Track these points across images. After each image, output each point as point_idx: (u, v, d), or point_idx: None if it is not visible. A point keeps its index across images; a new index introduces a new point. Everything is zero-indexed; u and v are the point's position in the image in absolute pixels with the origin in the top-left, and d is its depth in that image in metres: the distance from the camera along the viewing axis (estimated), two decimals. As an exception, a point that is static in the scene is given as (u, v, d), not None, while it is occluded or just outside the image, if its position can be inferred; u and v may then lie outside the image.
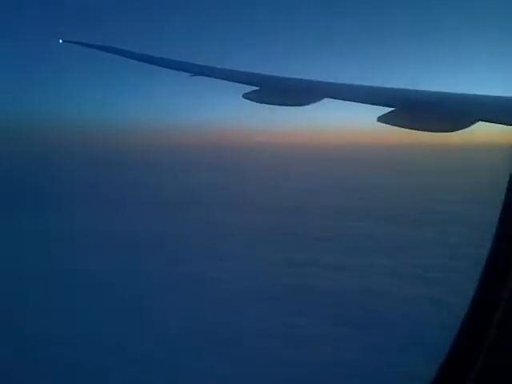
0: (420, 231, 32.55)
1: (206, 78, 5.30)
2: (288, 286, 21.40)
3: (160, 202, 44.06)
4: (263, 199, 45.62)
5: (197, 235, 31.04)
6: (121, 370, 14.25)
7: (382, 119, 3.42)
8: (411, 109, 3.77)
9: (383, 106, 3.59)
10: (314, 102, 4.00)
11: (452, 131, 3.31)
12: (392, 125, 3.42)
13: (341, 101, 4.10)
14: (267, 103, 4.22)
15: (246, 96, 4.21)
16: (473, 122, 3.29)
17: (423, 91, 4.48)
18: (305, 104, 4.03)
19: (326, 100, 4.10)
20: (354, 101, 4.05)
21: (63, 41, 6.68)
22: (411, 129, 3.50)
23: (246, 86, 4.46)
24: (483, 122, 3.31)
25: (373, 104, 3.80)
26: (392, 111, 3.48)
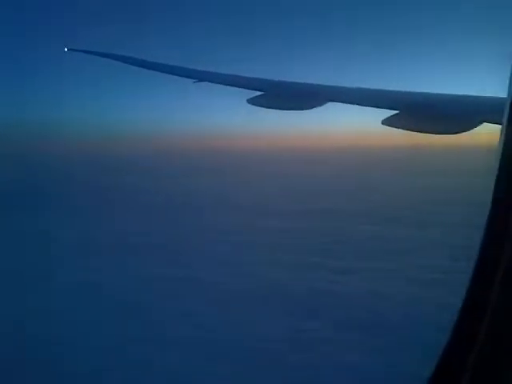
0: (426, 232, 32.38)
1: (210, 83, 5.32)
2: (296, 289, 21.32)
3: (161, 207, 44.08)
4: (268, 203, 45.52)
5: (201, 239, 30.95)
6: (121, 370, 14.27)
7: (387, 122, 3.42)
8: (415, 111, 3.76)
9: (387, 108, 3.59)
10: (318, 105, 4.00)
11: (456, 133, 3.30)
12: (396, 127, 3.42)
13: (345, 104, 4.10)
14: (272, 108, 4.22)
15: (251, 101, 4.21)
16: (477, 124, 3.29)
17: (427, 93, 4.48)
18: (309, 108, 4.03)
19: (330, 103, 4.10)
20: (357, 104, 4.06)
21: (68, 49, 6.75)
22: (416, 131, 3.49)
23: (251, 91, 4.46)
24: (488, 124, 3.30)
25: (377, 107, 3.80)
26: (396, 114, 3.48)
